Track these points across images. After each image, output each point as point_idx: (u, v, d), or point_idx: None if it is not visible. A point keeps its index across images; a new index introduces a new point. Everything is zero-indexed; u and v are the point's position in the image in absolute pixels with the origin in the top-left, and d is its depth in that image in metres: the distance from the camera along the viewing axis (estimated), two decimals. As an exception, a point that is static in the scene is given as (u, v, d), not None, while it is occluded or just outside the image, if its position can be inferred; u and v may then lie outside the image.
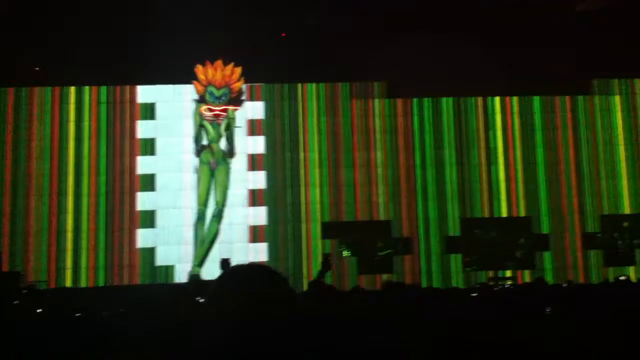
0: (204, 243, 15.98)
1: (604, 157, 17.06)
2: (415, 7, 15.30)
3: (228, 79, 16.43)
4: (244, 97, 16.56)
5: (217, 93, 16.31)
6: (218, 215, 16.11)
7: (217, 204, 16.15)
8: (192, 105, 16.38)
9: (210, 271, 15.32)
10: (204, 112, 16.27)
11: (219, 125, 16.31)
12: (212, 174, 16.17)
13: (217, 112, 16.26)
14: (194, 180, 16.18)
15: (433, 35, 15.32)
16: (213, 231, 16.09)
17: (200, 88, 16.38)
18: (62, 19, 14.94)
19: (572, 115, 17.19)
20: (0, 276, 14.26)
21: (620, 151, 17.10)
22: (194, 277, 15.18)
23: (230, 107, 16.40)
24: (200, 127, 16.26)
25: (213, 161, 16.21)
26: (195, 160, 16.24)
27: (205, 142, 16.30)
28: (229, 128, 16.32)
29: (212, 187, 16.19)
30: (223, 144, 16.33)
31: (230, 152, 16.33)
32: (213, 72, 16.42)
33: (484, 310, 4.78)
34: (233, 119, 16.39)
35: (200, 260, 15.90)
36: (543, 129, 17.10)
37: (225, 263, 12.84)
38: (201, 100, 16.36)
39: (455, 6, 15.36)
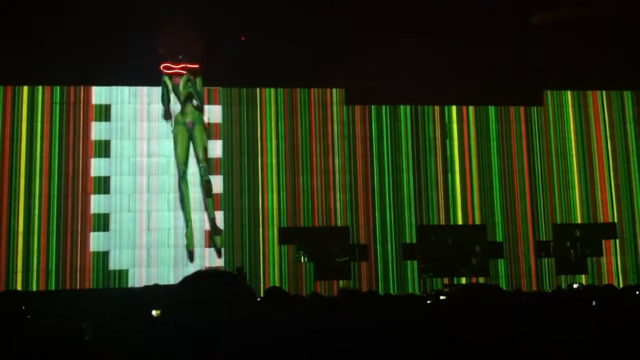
0: (209, 201, 15.65)
1: (557, 167, 17.39)
2: (376, 14, 15.38)
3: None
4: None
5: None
6: (204, 173, 15.81)
7: (199, 161, 15.79)
8: (149, 105, 16.15)
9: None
10: (164, 70, 15.70)
11: (183, 82, 15.78)
12: (189, 134, 15.80)
13: (177, 71, 15.75)
14: (171, 143, 15.82)
15: (392, 44, 15.44)
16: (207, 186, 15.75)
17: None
18: (18, 17, 14.62)
19: (526, 126, 17.50)
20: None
21: (573, 161, 17.46)
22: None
23: (190, 65, 15.84)
24: (164, 85, 15.74)
25: (189, 121, 15.78)
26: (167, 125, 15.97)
27: (176, 102, 15.83)
28: (193, 85, 15.75)
29: (191, 146, 15.83)
30: (194, 102, 15.85)
31: (200, 108, 15.96)
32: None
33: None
34: (198, 76, 15.83)
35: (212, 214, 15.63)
36: (498, 138, 17.36)
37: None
38: (164, 59, 15.81)
39: (414, 17, 15.50)
